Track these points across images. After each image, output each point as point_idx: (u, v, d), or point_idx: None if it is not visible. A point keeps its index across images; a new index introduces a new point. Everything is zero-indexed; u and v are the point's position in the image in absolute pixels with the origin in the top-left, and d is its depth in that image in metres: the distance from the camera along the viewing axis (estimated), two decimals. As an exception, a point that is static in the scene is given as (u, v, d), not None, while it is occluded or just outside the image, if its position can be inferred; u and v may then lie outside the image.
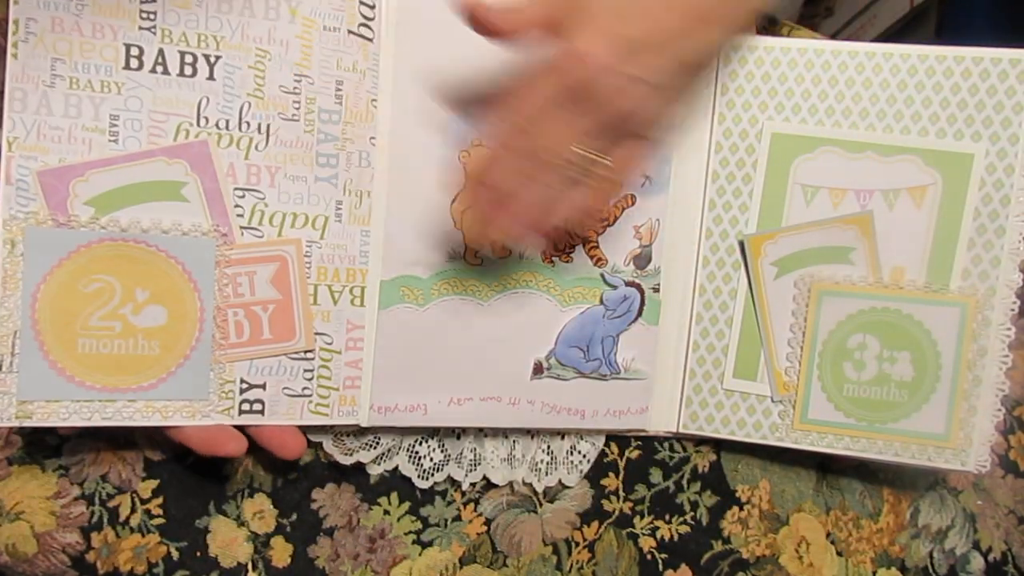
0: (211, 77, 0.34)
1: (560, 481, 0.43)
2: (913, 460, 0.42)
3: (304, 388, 0.36)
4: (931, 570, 0.48)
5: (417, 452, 0.41)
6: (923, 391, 0.42)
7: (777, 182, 0.42)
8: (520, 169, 0.33)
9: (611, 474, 0.44)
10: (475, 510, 0.42)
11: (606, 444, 0.44)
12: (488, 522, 0.42)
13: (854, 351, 0.42)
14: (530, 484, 0.42)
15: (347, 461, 0.39)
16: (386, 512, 0.41)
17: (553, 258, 0.40)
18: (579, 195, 0.34)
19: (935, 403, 0.41)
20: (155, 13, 0.33)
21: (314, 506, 0.40)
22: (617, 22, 0.32)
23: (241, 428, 0.36)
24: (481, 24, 0.32)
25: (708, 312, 0.43)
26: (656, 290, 0.42)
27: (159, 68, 0.33)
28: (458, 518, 0.42)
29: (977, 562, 0.48)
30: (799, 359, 0.42)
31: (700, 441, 0.45)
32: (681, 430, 0.43)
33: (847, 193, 0.41)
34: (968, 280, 0.41)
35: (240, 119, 0.35)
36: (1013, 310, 0.41)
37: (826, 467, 0.47)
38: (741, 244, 0.42)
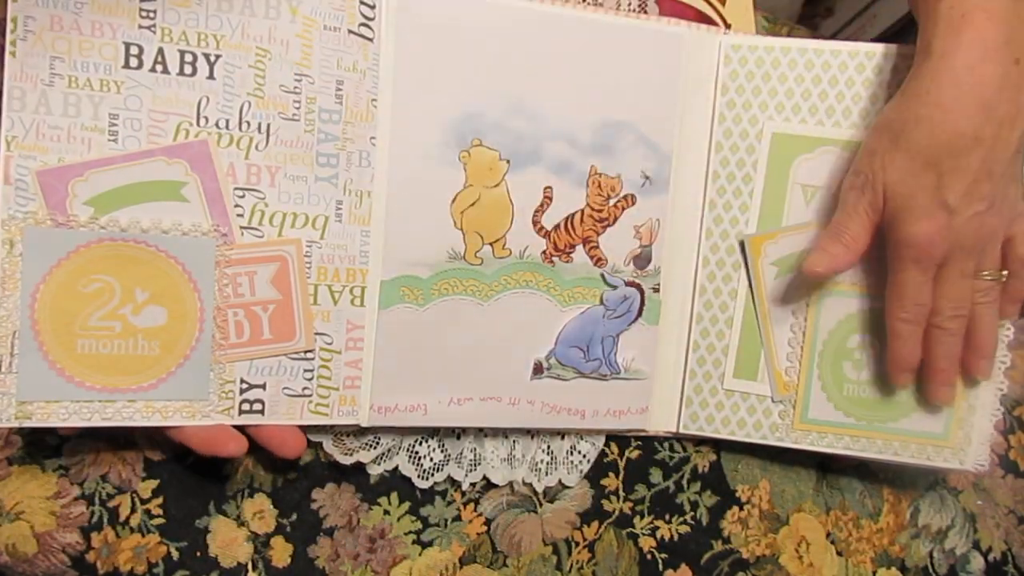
0: (211, 76, 0.34)
1: (560, 481, 0.43)
2: (912, 459, 0.42)
3: (304, 388, 0.36)
4: (931, 570, 0.48)
5: (417, 452, 0.41)
6: (922, 391, 0.42)
7: (777, 182, 0.42)
8: (954, 332, 0.38)
9: (611, 474, 0.44)
10: (475, 510, 0.42)
11: (606, 444, 0.44)
12: (488, 522, 0.42)
13: (854, 351, 0.42)
14: (530, 484, 0.42)
15: (347, 461, 0.39)
16: (386, 512, 0.41)
17: (553, 258, 0.40)
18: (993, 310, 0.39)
19: (934, 402, 0.41)
20: (155, 12, 0.33)
21: (314, 506, 0.40)
22: (927, 192, 0.35)
23: (241, 428, 0.36)
24: (835, 271, 0.39)
25: (708, 312, 0.43)
26: (656, 290, 0.42)
27: (159, 67, 0.33)
28: (458, 518, 0.42)
29: (977, 562, 0.48)
30: (799, 359, 0.42)
31: (700, 441, 0.45)
32: (681, 430, 0.43)
33: (847, 193, 0.41)
34: None
35: (240, 119, 0.34)
36: (1012, 310, 0.41)
37: (826, 467, 0.47)
38: (741, 244, 0.42)
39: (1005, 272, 0.38)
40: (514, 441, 0.42)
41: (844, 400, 0.42)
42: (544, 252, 0.40)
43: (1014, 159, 0.36)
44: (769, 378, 0.42)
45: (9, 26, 0.32)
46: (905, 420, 0.42)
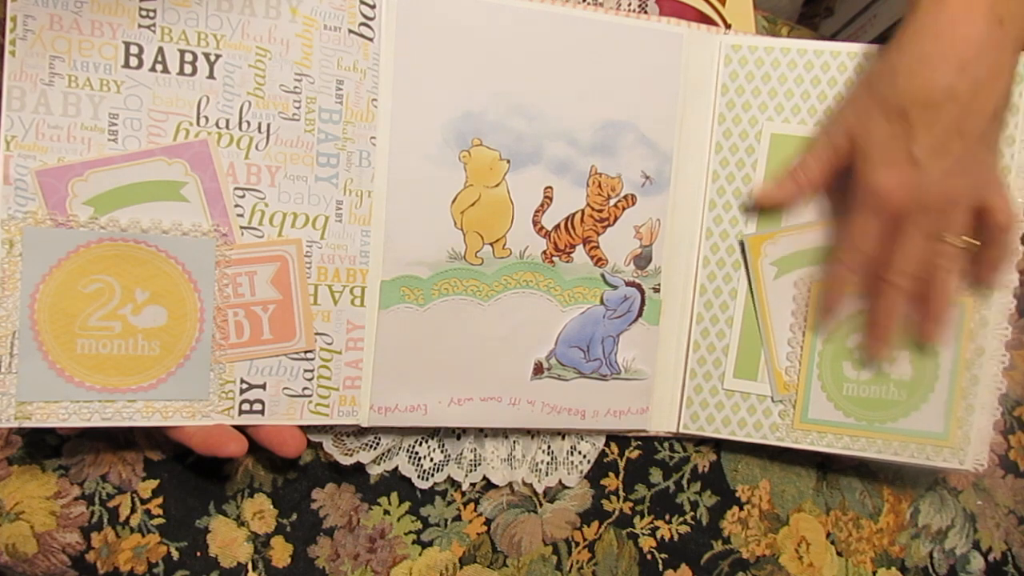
0: (211, 76, 0.34)
1: (560, 481, 0.43)
2: (912, 459, 0.42)
3: (304, 388, 0.36)
4: (931, 570, 0.48)
5: (417, 452, 0.41)
6: (922, 390, 0.42)
7: (777, 182, 0.42)
8: (898, 296, 0.38)
9: (611, 474, 0.44)
10: (475, 510, 0.42)
11: (606, 444, 0.44)
12: (488, 522, 0.42)
13: (854, 351, 0.42)
14: (530, 484, 0.42)
15: (347, 461, 0.39)
16: (386, 512, 0.41)
17: (553, 258, 0.40)
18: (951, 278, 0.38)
19: (934, 402, 0.41)
20: (155, 11, 0.33)
21: (314, 506, 0.40)
22: (895, 141, 0.34)
23: (241, 428, 0.36)
24: (780, 203, 0.39)
25: (708, 312, 0.43)
26: (656, 290, 0.42)
27: (159, 67, 0.33)
28: (458, 518, 0.42)
29: (977, 562, 0.48)
30: (799, 359, 0.42)
31: (700, 441, 0.45)
32: (681, 430, 0.43)
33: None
34: (966, 280, 0.41)
35: (240, 118, 0.34)
36: (1010, 310, 0.41)
37: (826, 467, 0.47)
38: (741, 244, 0.42)
39: (977, 243, 0.38)
40: (514, 441, 0.42)
41: (844, 400, 0.42)
42: (544, 252, 0.40)
43: (991, 125, 0.35)
44: (769, 378, 0.42)
45: (8, 25, 0.32)
46: (905, 420, 0.42)
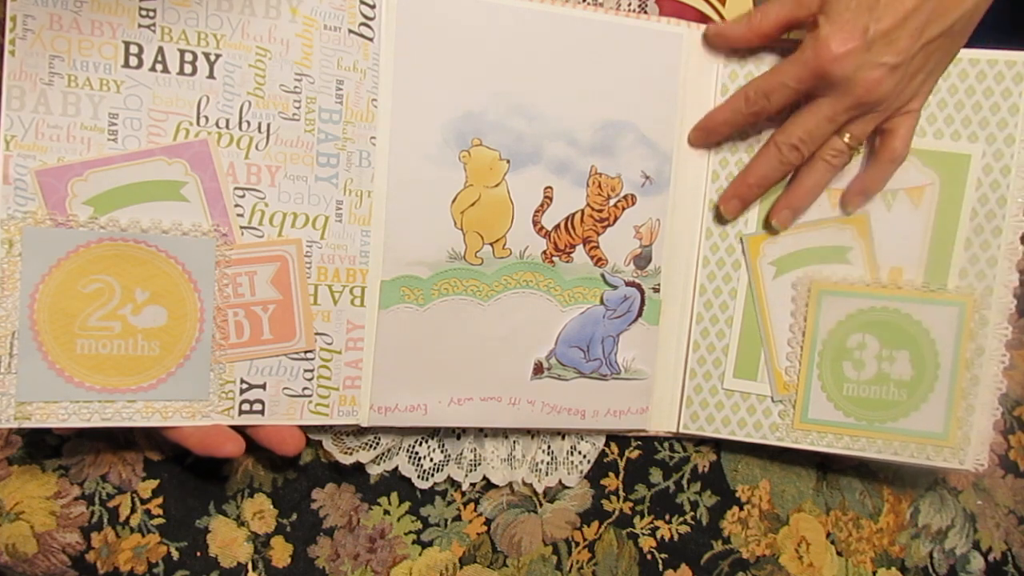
0: (211, 76, 0.34)
1: (560, 481, 0.43)
2: (912, 459, 0.42)
3: (304, 388, 0.36)
4: (931, 570, 0.48)
5: (417, 452, 0.41)
6: (922, 390, 0.42)
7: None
8: (783, 160, 0.39)
9: (611, 474, 0.44)
10: (475, 510, 0.42)
11: (606, 444, 0.44)
12: (488, 522, 0.42)
13: (854, 351, 0.42)
14: (530, 484, 0.42)
15: (347, 461, 0.39)
16: (386, 512, 0.41)
17: (553, 258, 0.40)
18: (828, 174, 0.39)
19: (934, 402, 0.42)
20: (155, 11, 0.33)
21: (314, 506, 0.40)
22: (858, 13, 0.35)
23: (239, 428, 0.36)
24: (726, 40, 0.39)
25: (708, 312, 0.43)
26: (656, 290, 0.42)
27: (159, 66, 0.33)
28: (458, 518, 0.42)
29: (977, 562, 0.48)
30: (799, 359, 0.42)
31: (700, 441, 0.45)
32: (681, 430, 0.43)
33: (847, 193, 0.41)
34: (965, 280, 0.41)
35: (240, 118, 0.34)
36: (1010, 309, 0.41)
37: (826, 467, 0.47)
38: (741, 242, 0.42)
39: (861, 149, 0.39)
40: (514, 441, 0.42)
41: (844, 400, 0.42)
42: (544, 252, 0.40)
43: (946, 41, 0.36)
44: (769, 377, 0.42)
45: (8, 25, 0.31)
46: (905, 420, 0.42)
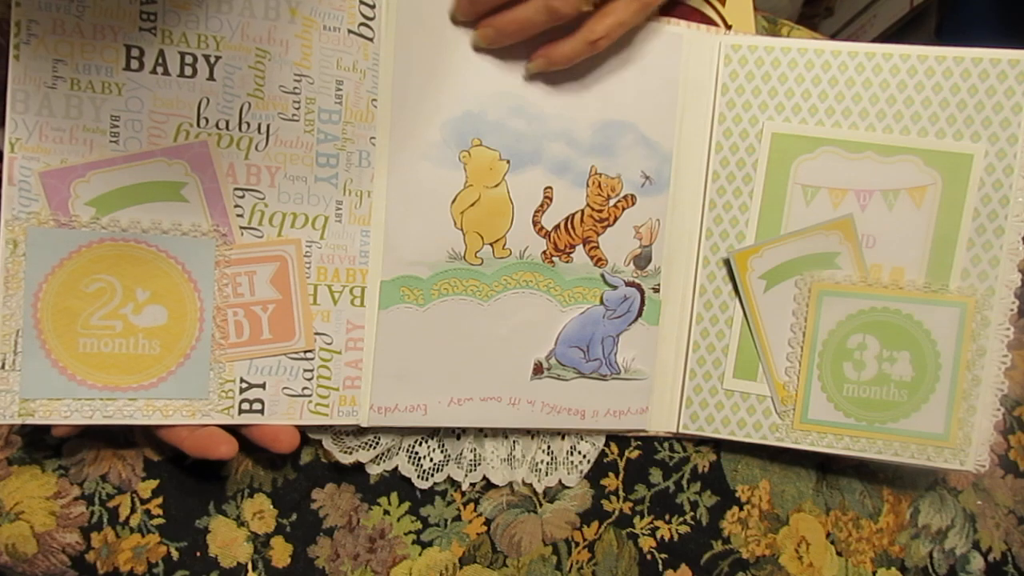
0: (211, 77, 0.34)
1: (560, 481, 0.43)
2: (912, 460, 0.42)
3: (304, 388, 0.36)
4: (931, 570, 0.48)
5: (417, 452, 0.41)
6: (922, 391, 0.42)
7: (777, 182, 0.42)
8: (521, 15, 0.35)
9: (611, 474, 0.44)
10: (475, 510, 0.42)
11: (606, 444, 0.44)
12: (488, 522, 0.42)
13: (854, 351, 0.42)
14: (530, 484, 0.42)
15: (347, 461, 0.39)
16: (386, 512, 0.41)
17: (553, 258, 0.40)
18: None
19: (934, 403, 0.41)
20: (155, 14, 0.33)
21: (314, 506, 0.40)
22: None
23: (233, 428, 0.36)
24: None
25: (708, 312, 0.43)
26: (656, 290, 0.42)
27: (159, 69, 0.33)
28: (458, 518, 0.42)
29: (977, 562, 0.48)
30: (799, 359, 0.42)
31: (700, 441, 0.45)
32: (681, 430, 0.43)
33: (847, 193, 0.41)
34: (967, 280, 0.41)
35: (240, 119, 0.35)
36: (1012, 310, 0.41)
37: (826, 467, 0.47)
38: (728, 261, 0.42)
39: (589, 12, 0.36)
40: (514, 441, 0.42)
41: (844, 400, 0.42)
42: (544, 252, 0.40)
43: None
44: (769, 388, 0.42)
45: (12, 30, 0.32)
46: (905, 420, 0.42)
